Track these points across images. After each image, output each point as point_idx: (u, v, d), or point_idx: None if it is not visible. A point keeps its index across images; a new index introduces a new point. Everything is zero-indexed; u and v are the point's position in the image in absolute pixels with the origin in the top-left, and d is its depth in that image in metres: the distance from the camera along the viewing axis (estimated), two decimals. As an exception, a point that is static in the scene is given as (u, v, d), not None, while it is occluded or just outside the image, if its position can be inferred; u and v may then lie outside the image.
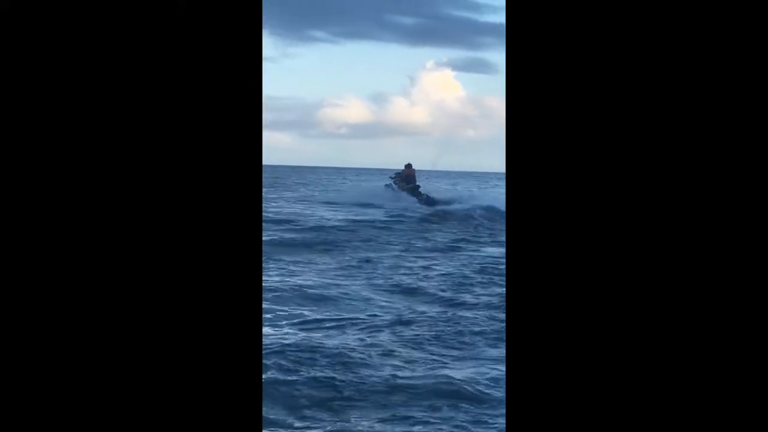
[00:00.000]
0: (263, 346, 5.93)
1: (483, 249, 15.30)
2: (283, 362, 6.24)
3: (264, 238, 13.87)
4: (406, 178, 27.94)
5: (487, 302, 9.20)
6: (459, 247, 15.57)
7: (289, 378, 5.87)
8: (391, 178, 28.92)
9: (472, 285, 10.64)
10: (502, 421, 5.05)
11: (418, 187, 27.70)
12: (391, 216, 21.92)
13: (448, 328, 7.77)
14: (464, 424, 5.15)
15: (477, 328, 7.78)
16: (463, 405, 5.49)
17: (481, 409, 5.42)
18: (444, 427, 5.09)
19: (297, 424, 5.08)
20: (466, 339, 7.38)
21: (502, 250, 13.78)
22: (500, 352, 6.80)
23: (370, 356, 6.61)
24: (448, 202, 25.91)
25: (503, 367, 5.61)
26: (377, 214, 22.24)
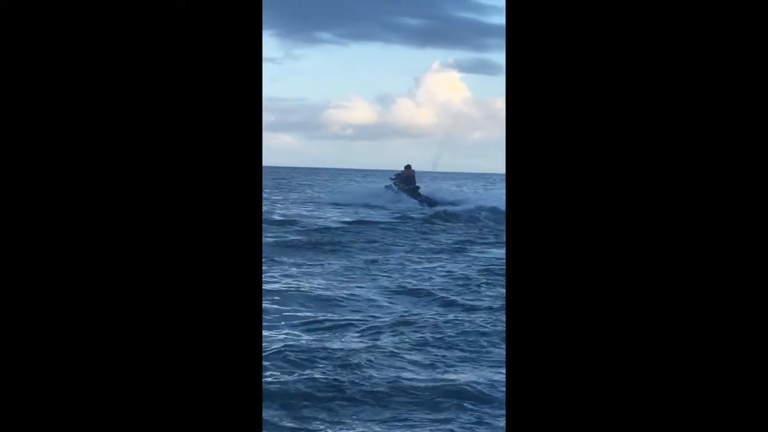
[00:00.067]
0: (262, 348, 5.92)
1: (488, 250, 15.21)
2: (284, 363, 6.25)
3: (267, 239, 13.91)
4: (406, 179, 27.93)
5: (489, 306, 9.18)
6: (464, 248, 15.50)
7: (290, 378, 5.88)
8: (391, 179, 28.89)
9: (479, 286, 10.61)
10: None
11: (418, 188, 27.68)
12: (394, 217, 21.89)
13: (452, 330, 7.77)
14: (470, 425, 5.15)
15: (483, 330, 7.77)
16: (466, 404, 5.50)
17: (484, 410, 5.43)
18: (452, 427, 5.10)
19: (297, 424, 5.08)
20: (481, 342, 7.34)
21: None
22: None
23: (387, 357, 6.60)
24: (450, 203, 25.80)
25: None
26: (377, 216, 22.20)
